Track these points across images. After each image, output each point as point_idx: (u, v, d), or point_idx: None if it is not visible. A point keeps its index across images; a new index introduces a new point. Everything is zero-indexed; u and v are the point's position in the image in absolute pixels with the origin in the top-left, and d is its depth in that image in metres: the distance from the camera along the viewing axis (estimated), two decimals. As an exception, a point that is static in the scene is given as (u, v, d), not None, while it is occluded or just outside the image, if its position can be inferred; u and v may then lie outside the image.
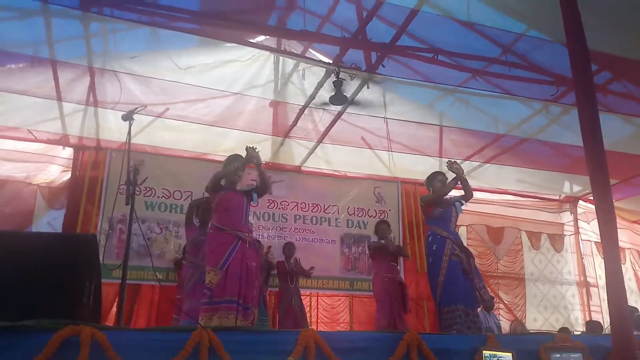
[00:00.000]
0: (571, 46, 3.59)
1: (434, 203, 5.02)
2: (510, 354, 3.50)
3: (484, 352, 3.41)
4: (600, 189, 3.24)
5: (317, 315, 8.30)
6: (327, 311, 8.42)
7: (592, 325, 7.84)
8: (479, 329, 4.58)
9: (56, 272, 2.89)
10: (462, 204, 5.10)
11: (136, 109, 3.90)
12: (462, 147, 8.02)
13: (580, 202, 10.01)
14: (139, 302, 7.06)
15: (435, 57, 5.92)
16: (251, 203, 4.55)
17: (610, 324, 3.09)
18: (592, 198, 9.53)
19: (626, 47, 5.85)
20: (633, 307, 7.12)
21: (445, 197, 5.10)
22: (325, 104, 6.39)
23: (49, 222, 7.14)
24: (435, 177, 5.14)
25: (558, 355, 3.66)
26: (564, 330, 6.70)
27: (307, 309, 7.62)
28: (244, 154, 4.66)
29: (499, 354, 3.46)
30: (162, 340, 2.83)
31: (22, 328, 2.60)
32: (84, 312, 3.02)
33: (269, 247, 7.09)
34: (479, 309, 7.40)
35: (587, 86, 3.46)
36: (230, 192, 4.41)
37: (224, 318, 3.92)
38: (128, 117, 3.85)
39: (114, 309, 6.69)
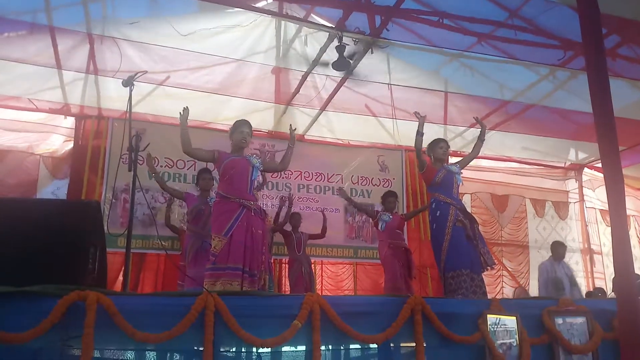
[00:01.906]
0: (582, 9, 3.50)
1: (423, 161, 5.04)
2: (514, 318, 3.52)
3: (488, 316, 3.42)
4: (609, 155, 3.20)
5: (322, 283, 8.37)
6: (332, 279, 8.49)
7: (594, 295, 7.88)
8: (484, 293, 4.60)
9: (61, 238, 2.88)
10: (461, 174, 5.07)
11: (136, 74, 3.84)
12: (467, 114, 7.92)
13: (586, 169, 9.96)
14: (144, 271, 7.12)
15: (441, 20, 5.80)
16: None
17: (615, 289, 3.09)
18: (597, 165, 9.54)
19: (636, 10, 5.72)
20: (636, 273, 7.14)
21: (444, 164, 5.09)
22: (325, 63, 6.27)
23: (52, 192, 7.14)
24: (436, 144, 5.10)
25: (562, 320, 3.68)
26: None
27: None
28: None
29: (503, 317, 3.47)
30: (168, 305, 2.84)
31: (28, 293, 2.61)
32: (89, 277, 3.04)
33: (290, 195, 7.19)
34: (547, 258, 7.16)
35: (598, 50, 3.38)
36: (235, 159, 4.37)
37: (227, 284, 3.92)
38: (128, 82, 3.79)
39: (120, 277, 6.76)
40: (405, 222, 6.99)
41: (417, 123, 4.94)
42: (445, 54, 6.77)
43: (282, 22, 6.55)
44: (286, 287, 7.32)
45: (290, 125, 4.74)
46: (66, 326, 2.61)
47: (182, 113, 4.34)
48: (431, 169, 5.02)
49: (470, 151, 5.34)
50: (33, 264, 2.79)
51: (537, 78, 7.18)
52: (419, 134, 4.93)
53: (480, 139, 5.24)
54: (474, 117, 5.48)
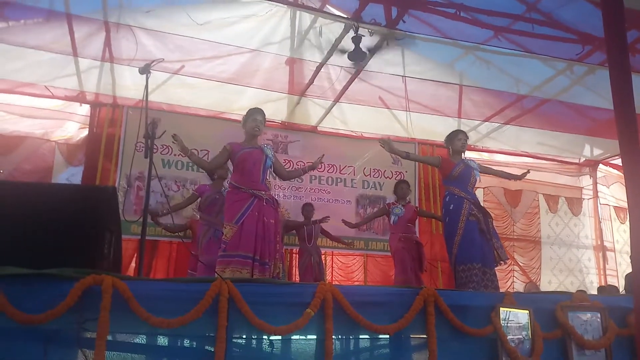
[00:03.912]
0: (605, 2, 3.43)
1: (434, 159, 5.09)
2: (526, 312, 3.50)
3: (501, 309, 3.41)
4: (629, 151, 3.14)
5: (332, 274, 8.38)
6: (342, 270, 8.50)
7: (606, 290, 7.82)
8: (496, 288, 4.57)
9: (77, 222, 2.91)
10: (479, 171, 5.03)
11: (153, 62, 3.85)
12: (482, 108, 7.88)
13: (601, 165, 9.86)
14: (157, 258, 7.19)
15: (458, 13, 5.75)
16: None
17: (633, 285, 3.05)
18: (613, 162, 9.38)
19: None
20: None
21: (464, 159, 5.05)
22: (343, 52, 6.22)
23: (67, 178, 7.21)
24: (455, 136, 5.03)
25: (575, 315, 3.65)
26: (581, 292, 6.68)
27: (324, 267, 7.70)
28: None
29: (516, 311, 3.46)
30: (183, 291, 2.86)
31: (45, 276, 2.65)
32: (105, 262, 3.07)
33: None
34: None
35: (620, 45, 3.31)
36: (248, 151, 4.36)
37: (236, 272, 3.94)
38: (145, 70, 3.80)
39: (133, 263, 6.83)
40: (418, 217, 6.95)
41: (432, 115, 4.91)
42: (461, 46, 6.72)
43: (297, 13, 6.53)
44: (296, 277, 7.36)
45: (323, 155, 4.78)
46: (82, 309, 2.64)
47: (175, 142, 4.21)
48: (449, 162, 4.97)
49: (496, 167, 5.33)
50: (50, 248, 2.82)
51: (554, 73, 7.11)
52: (405, 156, 5.15)
53: (511, 177, 5.26)
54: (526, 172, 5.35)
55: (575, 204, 9.74)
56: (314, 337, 3.05)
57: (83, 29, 6.08)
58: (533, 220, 9.36)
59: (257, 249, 4.10)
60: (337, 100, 7.69)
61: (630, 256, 3.12)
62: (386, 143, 4.90)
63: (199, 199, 5.99)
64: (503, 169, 9.04)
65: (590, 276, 9.53)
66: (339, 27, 6.11)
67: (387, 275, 8.09)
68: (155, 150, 5.00)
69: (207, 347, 2.85)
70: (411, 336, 3.26)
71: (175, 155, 7.37)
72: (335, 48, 6.24)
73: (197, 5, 6.14)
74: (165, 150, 7.32)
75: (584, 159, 9.86)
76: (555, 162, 9.71)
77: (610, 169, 9.78)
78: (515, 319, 3.42)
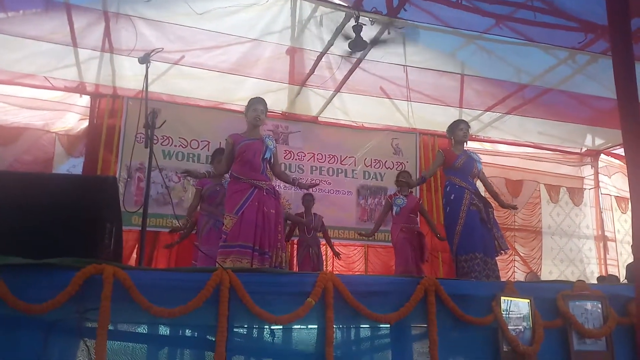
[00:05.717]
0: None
1: (437, 162, 5.09)
2: (527, 301, 3.50)
3: (502, 298, 3.41)
4: (631, 140, 3.14)
5: (333, 264, 8.39)
6: (343, 260, 8.48)
7: (606, 280, 7.83)
8: (497, 277, 4.57)
9: (78, 212, 2.90)
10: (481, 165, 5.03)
11: (153, 51, 3.82)
12: (483, 97, 7.85)
13: (602, 155, 9.84)
14: (157, 249, 7.20)
15: (459, 1, 5.70)
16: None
17: (634, 272, 3.05)
18: (614, 152, 9.35)
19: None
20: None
21: (467, 150, 5.04)
22: (346, 38, 6.17)
23: (68, 169, 7.24)
24: (457, 126, 5.02)
25: (576, 304, 3.65)
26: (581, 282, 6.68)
27: (323, 258, 7.71)
28: None
29: (517, 300, 3.46)
30: (183, 280, 2.85)
31: (46, 266, 2.64)
32: (105, 252, 3.06)
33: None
34: None
35: (624, 33, 3.29)
36: (248, 142, 4.34)
37: (237, 262, 3.96)
38: (145, 59, 3.77)
39: (134, 255, 6.84)
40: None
41: (434, 105, 4.89)
42: (462, 35, 6.68)
43: (298, 1, 6.48)
44: (295, 268, 7.37)
45: (316, 182, 4.94)
46: (83, 299, 2.63)
47: (187, 177, 4.38)
48: (451, 153, 4.96)
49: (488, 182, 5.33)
50: (51, 238, 2.81)
51: (556, 62, 7.06)
52: (422, 180, 5.47)
53: (498, 200, 5.21)
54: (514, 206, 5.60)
55: (576, 194, 9.74)
56: (315, 326, 3.04)
57: (82, 19, 6.05)
58: (534, 210, 9.37)
59: (256, 238, 4.10)
60: (337, 90, 7.67)
61: (631, 246, 3.12)
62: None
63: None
64: (504, 159, 9.15)
65: (591, 266, 9.55)
66: (339, 16, 6.07)
67: (387, 266, 8.10)
68: (155, 141, 5.00)
69: (208, 337, 2.85)
70: (412, 325, 3.26)
71: (175, 146, 7.37)
72: (338, 33, 6.20)
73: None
74: (166, 141, 7.32)
75: (586, 148, 9.85)
76: (557, 152, 9.71)
77: (612, 159, 9.77)
78: (516, 308, 3.42)
